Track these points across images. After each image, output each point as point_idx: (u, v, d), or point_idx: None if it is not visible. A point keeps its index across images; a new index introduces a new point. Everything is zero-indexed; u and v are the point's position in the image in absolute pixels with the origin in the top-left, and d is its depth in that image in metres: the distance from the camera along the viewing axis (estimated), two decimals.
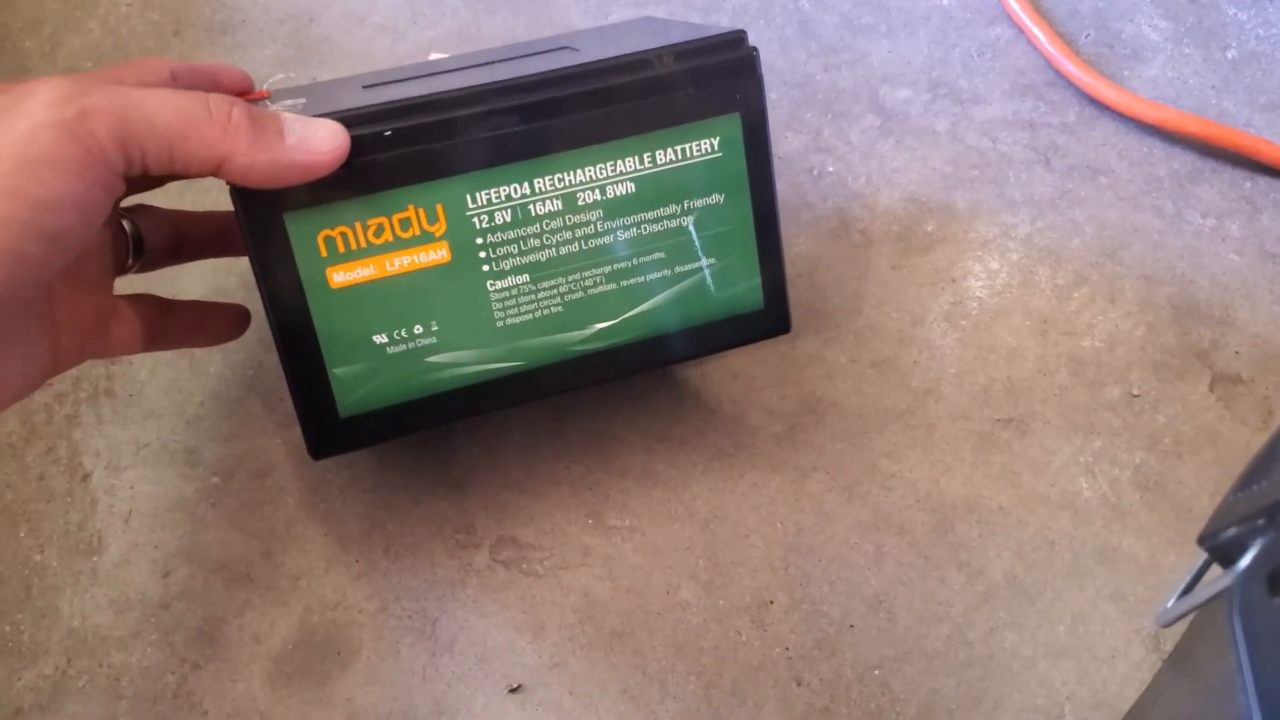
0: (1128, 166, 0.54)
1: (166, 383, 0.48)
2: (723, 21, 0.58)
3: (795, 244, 0.51)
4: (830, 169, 0.54)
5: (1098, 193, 0.53)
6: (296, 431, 0.47)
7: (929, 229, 0.52)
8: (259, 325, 0.48)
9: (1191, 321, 0.49)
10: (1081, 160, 0.54)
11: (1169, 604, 0.30)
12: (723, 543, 0.45)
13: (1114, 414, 0.47)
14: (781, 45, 0.57)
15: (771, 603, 0.44)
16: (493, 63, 0.41)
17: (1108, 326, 0.49)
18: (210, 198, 0.52)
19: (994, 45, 0.57)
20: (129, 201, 0.39)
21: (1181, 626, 0.43)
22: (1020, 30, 0.58)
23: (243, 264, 0.50)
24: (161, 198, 0.41)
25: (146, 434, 0.47)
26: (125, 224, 0.39)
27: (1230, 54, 0.57)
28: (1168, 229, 0.52)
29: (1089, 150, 0.54)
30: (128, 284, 0.40)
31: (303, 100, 0.36)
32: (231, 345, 0.47)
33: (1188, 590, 0.30)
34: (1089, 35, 0.57)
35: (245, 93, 0.40)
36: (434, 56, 0.56)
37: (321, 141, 0.33)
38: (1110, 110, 0.55)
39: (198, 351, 0.49)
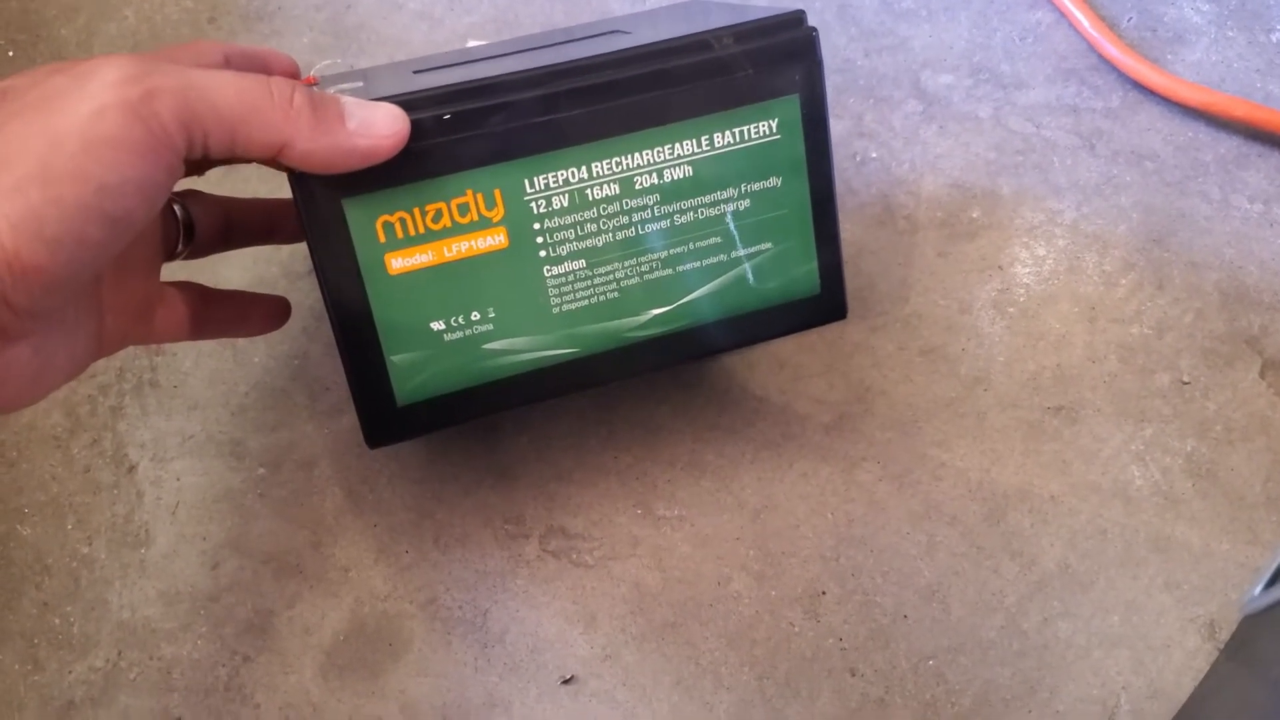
0: (1173, 151, 0.53)
1: (210, 373, 0.48)
2: (762, 3, 0.58)
3: (840, 231, 0.51)
4: (873, 155, 0.53)
5: (1143, 178, 0.52)
6: (343, 421, 0.46)
7: (974, 215, 0.51)
8: (301, 315, 0.48)
9: (1240, 307, 0.49)
10: (1126, 145, 0.53)
11: (1256, 590, 0.30)
12: (773, 533, 0.44)
13: (1164, 401, 0.47)
14: (821, 29, 0.56)
15: (824, 593, 0.43)
16: (544, 47, 0.41)
17: (1156, 313, 0.49)
18: (250, 186, 0.51)
19: (1035, 29, 0.56)
20: (179, 186, 0.39)
21: (1235, 613, 0.42)
22: (1062, 14, 0.57)
23: (284, 254, 0.50)
24: (200, 185, 0.41)
25: (192, 425, 0.47)
26: (177, 209, 0.38)
27: (1275, 36, 0.56)
28: (1215, 214, 0.51)
29: (1133, 135, 0.53)
30: (170, 272, 0.39)
31: (359, 84, 0.35)
32: (275, 335, 0.46)
33: (1276, 577, 0.30)
34: (1131, 19, 0.57)
35: (293, 79, 0.39)
36: (472, 43, 0.55)
37: (382, 126, 0.32)
38: (1154, 95, 0.54)
39: (241, 341, 0.48)
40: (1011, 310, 0.49)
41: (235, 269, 0.50)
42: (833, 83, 0.55)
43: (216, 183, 0.50)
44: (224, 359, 0.48)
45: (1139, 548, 0.44)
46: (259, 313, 0.42)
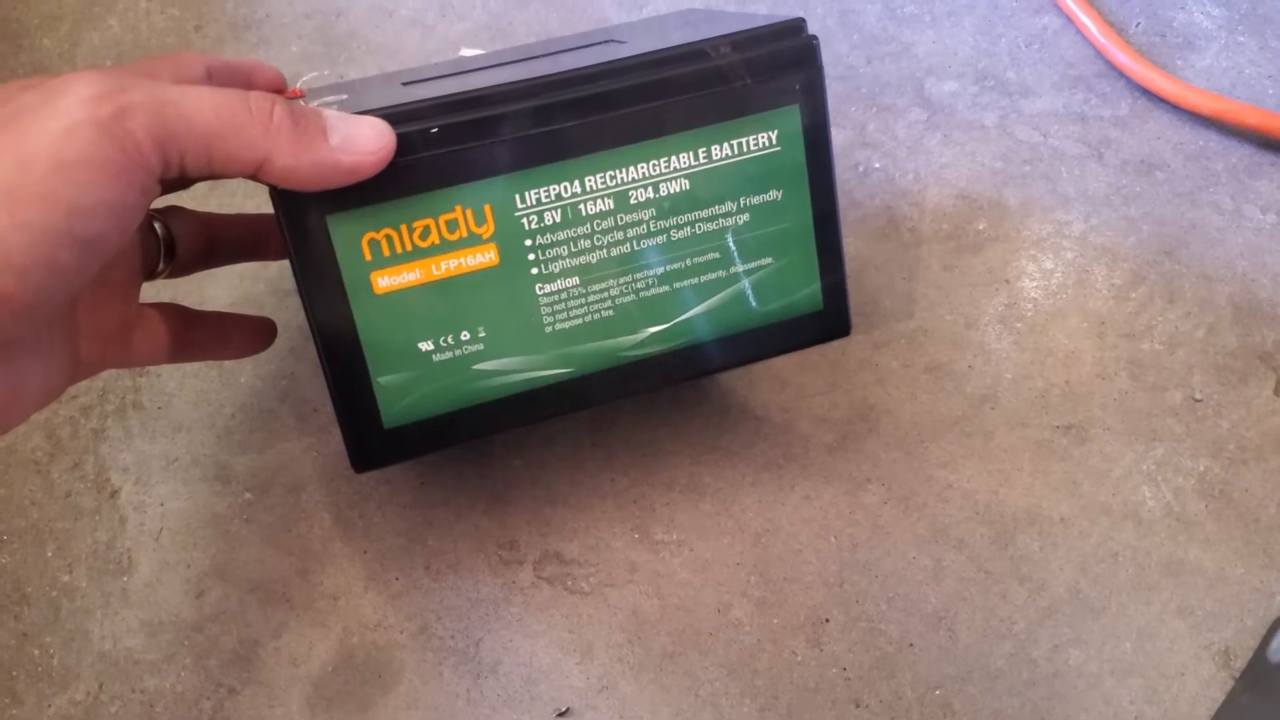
0: (1183, 161, 0.52)
1: (196, 394, 0.47)
2: (761, 12, 0.56)
3: (843, 243, 0.50)
4: (877, 165, 0.52)
5: (1153, 188, 0.51)
6: (332, 444, 0.45)
7: (980, 227, 0.50)
8: (289, 334, 0.46)
9: (1254, 322, 0.48)
10: (1135, 154, 0.52)
11: None
12: (775, 558, 0.43)
13: (1176, 419, 0.45)
14: (823, 36, 0.55)
15: (827, 621, 0.42)
16: (536, 57, 0.40)
17: (1167, 328, 0.47)
18: (237, 201, 0.50)
19: (1042, 35, 0.55)
20: (160, 203, 0.38)
21: (1251, 640, 0.41)
22: (1069, 19, 0.56)
23: (271, 271, 0.49)
24: (186, 200, 0.39)
25: (176, 448, 0.45)
26: (156, 226, 0.37)
27: None
28: (1227, 225, 0.50)
29: (1143, 144, 0.52)
30: (154, 290, 0.38)
31: (344, 96, 0.34)
32: (262, 355, 0.45)
33: None
34: (1139, 24, 0.55)
35: (278, 92, 0.38)
36: (465, 52, 0.54)
37: (367, 141, 0.31)
38: (1164, 102, 0.53)
39: (227, 361, 0.47)
40: (1019, 325, 0.48)
41: (221, 286, 0.48)
42: (834, 91, 0.53)
43: (203, 197, 0.49)
44: (209, 379, 0.47)
45: (1151, 572, 0.42)
46: (243, 334, 0.40)
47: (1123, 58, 0.53)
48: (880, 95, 0.54)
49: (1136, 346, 0.47)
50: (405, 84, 0.38)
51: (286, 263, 0.45)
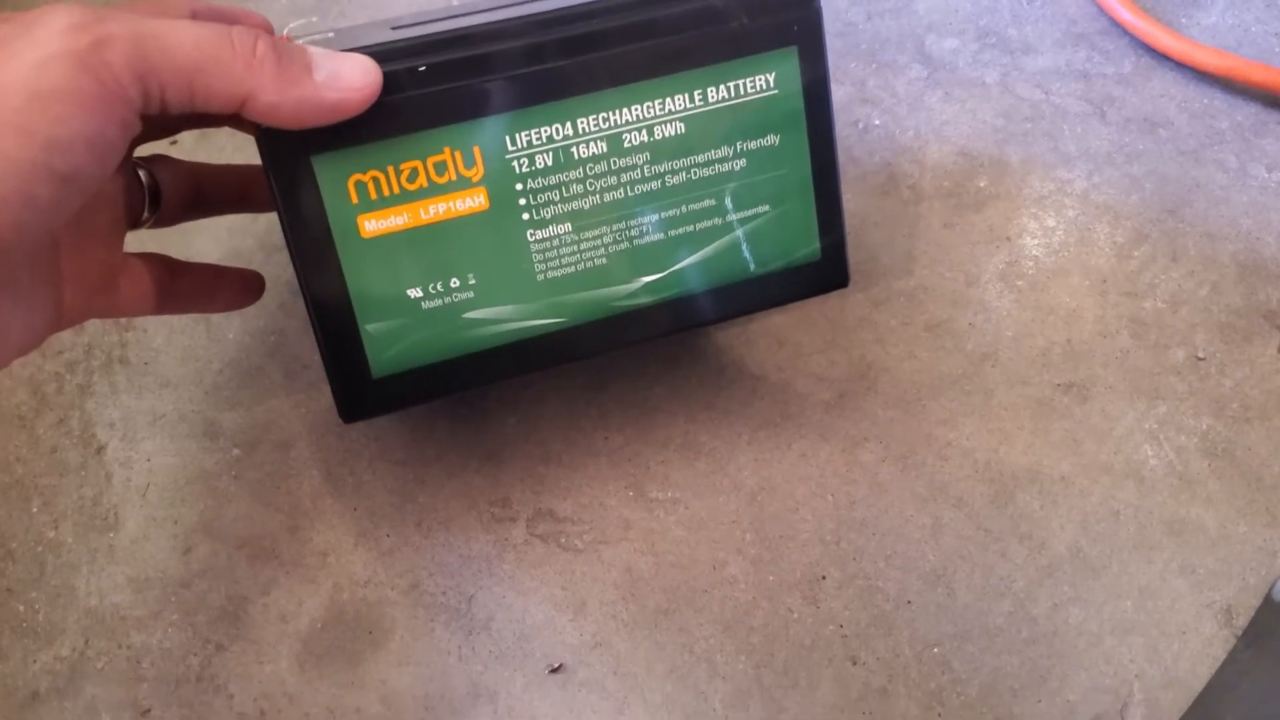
0: (1188, 119, 0.51)
1: (183, 350, 0.46)
2: None
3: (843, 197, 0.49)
4: (876, 122, 0.51)
5: (1157, 146, 0.50)
6: (321, 401, 0.44)
7: (981, 185, 0.49)
8: (278, 290, 0.46)
9: (1258, 280, 0.47)
10: (1139, 112, 0.51)
11: None
12: (771, 516, 0.42)
13: (1179, 378, 0.45)
14: None
15: (824, 578, 0.41)
16: (528, 1, 0.39)
17: (1170, 286, 0.47)
18: (225, 155, 0.50)
19: None
20: (146, 151, 0.37)
21: (1253, 598, 0.41)
22: None
23: (259, 226, 0.48)
24: (175, 153, 0.39)
25: (163, 404, 0.45)
26: (142, 174, 0.36)
27: None
28: (1231, 184, 0.49)
29: (1146, 102, 0.51)
30: (138, 242, 0.37)
31: (330, 34, 0.33)
32: (250, 310, 0.44)
33: None
34: None
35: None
36: (457, 2, 0.53)
37: (352, 78, 0.30)
38: (1168, 59, 0.52)
39: (215, 317, 0.46)
40: (1020, 283, 0.47)
41: (209, 242, 0.48)
42: (834, 46, 0.53)
43: (190, 151, 0.48)
44: (197, 335, 0.46)
45: (1153, 530, 0.42)
46: (230, 287, 0.40)
47: (1126, 14, 0.53)
48: (880, 52, 0.53)
49: (1139, 305, 0.46)
50: (395, 28, 0.38)
51: (275, 217, 0.45)
